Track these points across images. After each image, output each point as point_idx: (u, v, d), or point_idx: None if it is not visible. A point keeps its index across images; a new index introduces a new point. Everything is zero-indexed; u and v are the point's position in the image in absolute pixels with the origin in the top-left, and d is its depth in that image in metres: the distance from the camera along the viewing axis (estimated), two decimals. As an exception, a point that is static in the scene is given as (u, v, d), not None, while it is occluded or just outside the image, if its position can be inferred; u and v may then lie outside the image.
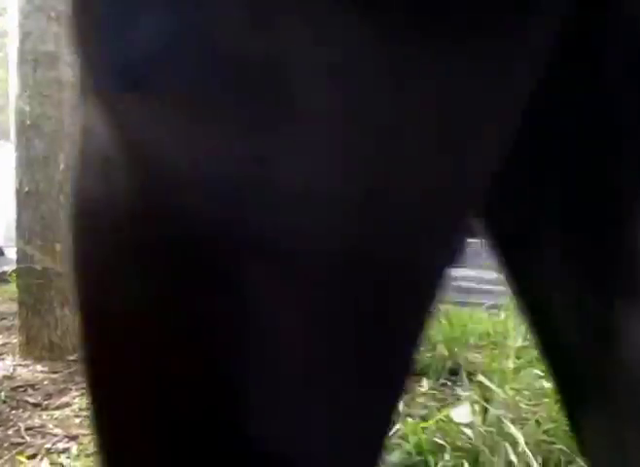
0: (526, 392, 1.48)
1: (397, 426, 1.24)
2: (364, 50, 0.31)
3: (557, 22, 0.35)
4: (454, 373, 1.75)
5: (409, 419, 1.31)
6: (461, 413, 1.31)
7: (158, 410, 0.35)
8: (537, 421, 1.33)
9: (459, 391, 1.63)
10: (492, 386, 1.19)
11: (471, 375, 1.53)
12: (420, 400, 1.48)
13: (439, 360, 1.77)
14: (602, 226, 0.41)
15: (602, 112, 0.40)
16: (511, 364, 1.51)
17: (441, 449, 1.19)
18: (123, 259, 0.33)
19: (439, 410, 1.39)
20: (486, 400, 1.23)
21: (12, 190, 2.29)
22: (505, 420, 1.15)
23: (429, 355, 1.80)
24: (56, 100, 2.24)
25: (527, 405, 1.43)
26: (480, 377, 1.21)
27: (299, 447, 0.36)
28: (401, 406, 1.27)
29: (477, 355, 1.89)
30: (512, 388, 1.40)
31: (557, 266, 0.42)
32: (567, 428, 1.19)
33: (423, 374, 1.70)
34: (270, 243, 0.31)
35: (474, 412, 1.22)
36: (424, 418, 1.32)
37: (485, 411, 1.23)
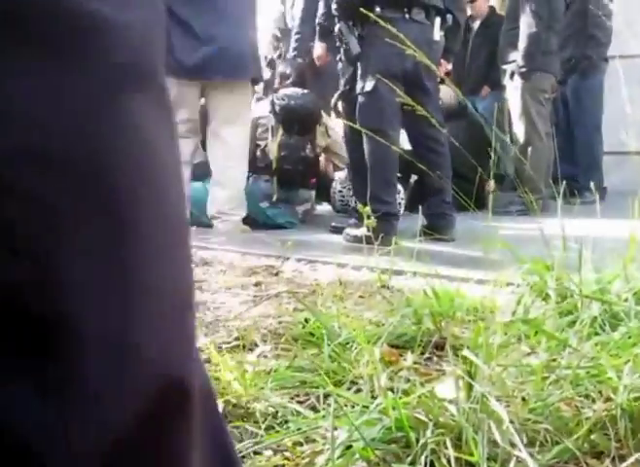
0: (513, 369, 1.43)
1: (377, 400, 1.19)
2: None
3: None
4: (440, 347, 1.71)
5: (390, 394, 1.26)
6: (445, 389, 1.26)
7: None
8: (523, 399, 1.28)
9: (445, 366, 1.59)
10: (477, 361, 1.14)
11: (457, 350, 1.48)
12: (403, 374, 1.43)
13: (424, 334, 1.72)
14: None
15: None
16: (498, 339, 1.47)
17: (423, 425, 1.14)
18: None
19: (422, 384, 1.35)
20: (471, 376, 1.18)
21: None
22: (489, 397, 1.10)
23: (414, 329, 1.76)
24: None
25: (514, 382, 1.39)
26: (465, 352, 1.16)
27: None
28: (382, 380, 1.22)
29: (464, 330, 1.85)
30: (498, 364, 1.36)
31: None
32: (555, 407, 1.13)
33: (408, 347, 1.65)
34: None
35: (458, 387, 1.17)
36: (406, 393, 1.28)
37: (470, 387, 1.18)
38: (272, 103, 4.97)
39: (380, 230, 3.28)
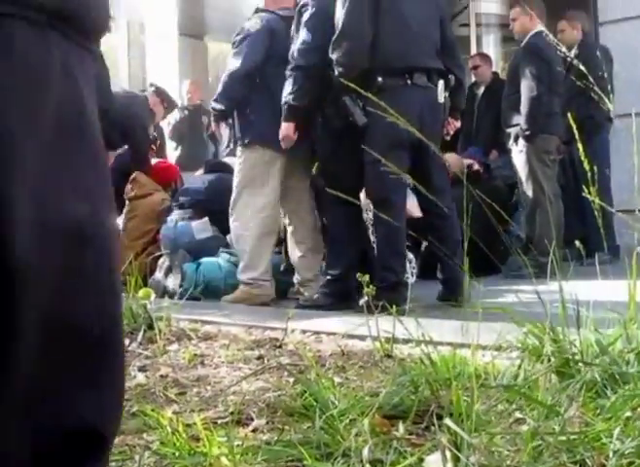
0: (507, 437, 1.40)
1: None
2: None
3: None
4: (439, 416, 1.67)
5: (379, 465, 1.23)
6: (435, 460, 1.23)
7: None
8: (514, 468, 1.25)
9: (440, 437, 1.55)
10: (459, 430, 1.12)
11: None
12: (396, 445, 1.40)
13: (422, 403, 1.69)
14: None
15: None
16: (483, 406, 1.45)
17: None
18: None
19: (412, 455, 1.31)
20: (458, 446, 1.16)
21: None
22: (473, 467, 1.07)
23: (412, 398, 1.72)
24: None
25: (508, 450, 1.36)
26: (447, 421, 1.14)
27: None
28: (365, 452, 1.19)
29: (465, 398, 1.81)
30: (488, 432, 1.32)
31: None
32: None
33: (400, 417, 1.62)
34: None
35: (444, 458, 1.14)
36: (394, 465, 1.25)
37: (458, 457, 1.15)
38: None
39: (388, 299, 3.27)
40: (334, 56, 3.92)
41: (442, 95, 4.00)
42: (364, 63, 3.82)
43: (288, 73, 4.12)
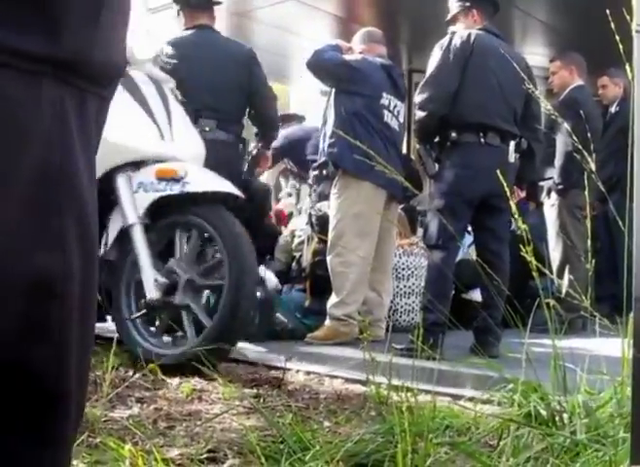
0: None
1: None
2: None
3: None
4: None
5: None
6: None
7: None
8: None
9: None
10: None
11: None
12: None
13: (397, 453, 1.66)
14: None
15: None
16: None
17: None
18: None
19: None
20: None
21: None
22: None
23: (388, 447, 1.70)
24: None
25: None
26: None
27: None
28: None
29: (447, 452, 1.78)
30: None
31: None
32: None
33: (371, 465, 1.59)
34: None
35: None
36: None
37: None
38: (310, 215, 5.07)
39: (425, 340, 3.30)
40: (417, 101, 4.07)
41: (512, 156, 4.06)
42: (444, 111, 3.93)
43: None
